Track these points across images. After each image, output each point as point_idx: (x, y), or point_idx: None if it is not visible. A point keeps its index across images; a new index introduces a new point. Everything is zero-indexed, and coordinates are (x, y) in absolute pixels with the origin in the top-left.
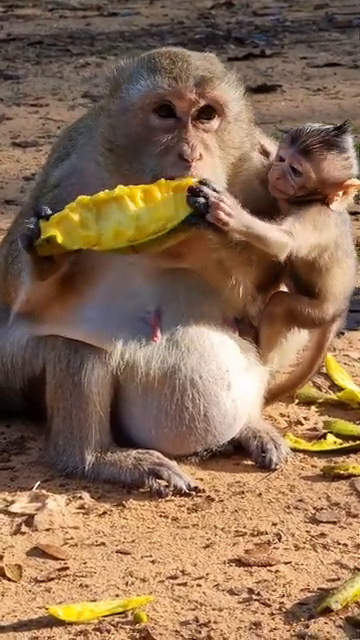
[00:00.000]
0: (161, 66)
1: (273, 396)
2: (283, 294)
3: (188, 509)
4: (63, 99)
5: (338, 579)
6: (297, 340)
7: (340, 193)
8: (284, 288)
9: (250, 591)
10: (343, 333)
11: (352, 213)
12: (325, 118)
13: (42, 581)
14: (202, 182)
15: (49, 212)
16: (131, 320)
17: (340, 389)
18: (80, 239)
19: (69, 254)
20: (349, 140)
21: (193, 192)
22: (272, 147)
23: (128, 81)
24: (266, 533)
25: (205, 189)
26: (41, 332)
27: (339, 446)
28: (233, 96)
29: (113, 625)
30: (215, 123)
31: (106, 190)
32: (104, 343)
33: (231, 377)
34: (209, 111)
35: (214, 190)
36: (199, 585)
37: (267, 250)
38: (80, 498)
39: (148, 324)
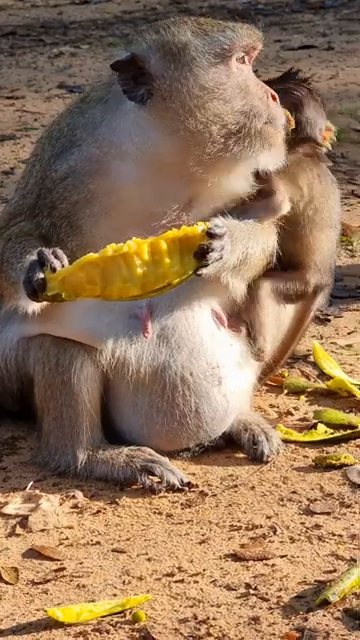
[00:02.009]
0: (226, 22)
1: (258, 378)
2: (266, 275)
3: (182, 505)
4: (39, 90)
5: (335, 570)
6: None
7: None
8: None
9: (247, 586)
10: (329, 320)
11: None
12: None
13: (39, 583)
14: (210, 234)
15: (55, 264)
16: (121, 317)
17: (329, 377)
18: (84, 292)
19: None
20: None
21: (203, 251)
22: None
23: (198, 38)
24: (261, 526)
25: (215, 244)
26: (31, 332)
27: (330, 436)
28: None
29: (112, 625)
30: None
31: (113, 244)
32: (95, 341)
33: (221, 372)
34: None
35: (220, 236)
36: (196, 582)
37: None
38: (73, 497)
39: (139, 320)
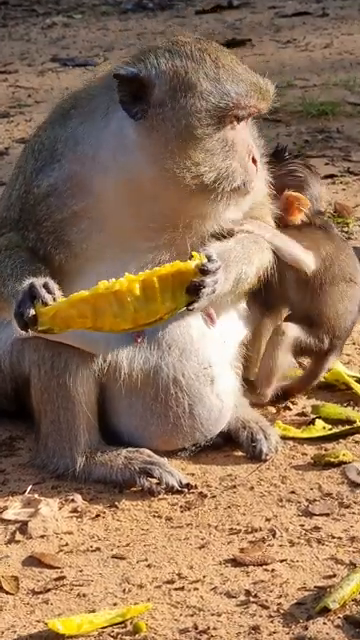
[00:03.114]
0: (239, 74)
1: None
2: (284, 324)
3: (181, 507)
4: (32, 64)
5: (334, 575)
6: None
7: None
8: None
9: (247, 593)
10: None
11: (328, 176)
12: (296, 72)
13: (39, 592)
14: (203, 271)
15: (46, 298)
16: None
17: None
18: (75, 325)
19: None
20: None
21: (195, 287)
22: None
23: (206, 87)
24: (260, 530)
25: (207, 280)
26: (25, 335)
27: (328, 432)
28: None
29: (113, 637)
30: None
31: (104, 282)
32: (87, 345)
33: (214, 372)
34: None
35: (214, 272)
36: (196, 589)
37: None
38: (72, 501)
39: None
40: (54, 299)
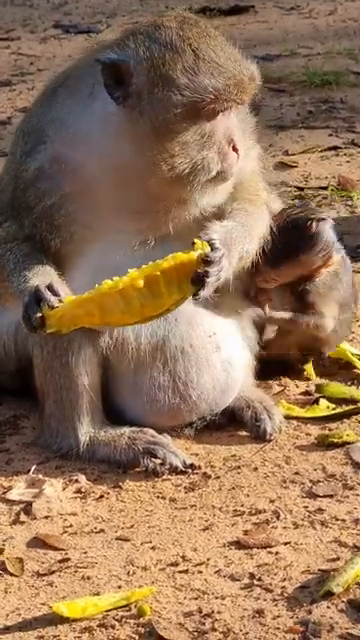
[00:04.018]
0: (219, 66)
1: None
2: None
3: (185, 488)
4: (34, 31)
5: (338, 558)
6: None
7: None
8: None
9: (251, 576)
10: None
11: (332, 148)
12: (299, 40)
13: (44, 574)
14: (206, 260)
15: (52, 301)
16: None
17: None
18: (83, 322)
19: None
20: None
21: (199, 278)
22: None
23: (181, 78)
24: (264, 511)
25: (211, 270)
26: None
27: (332, 411)
28: None
29: (117, 620)
30: None
31: (107, 281)
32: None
33: (218, 339)
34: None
35: (218, 261)
36: (200, 572)
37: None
38: (77, 481)
39: None
40: (60, 300)
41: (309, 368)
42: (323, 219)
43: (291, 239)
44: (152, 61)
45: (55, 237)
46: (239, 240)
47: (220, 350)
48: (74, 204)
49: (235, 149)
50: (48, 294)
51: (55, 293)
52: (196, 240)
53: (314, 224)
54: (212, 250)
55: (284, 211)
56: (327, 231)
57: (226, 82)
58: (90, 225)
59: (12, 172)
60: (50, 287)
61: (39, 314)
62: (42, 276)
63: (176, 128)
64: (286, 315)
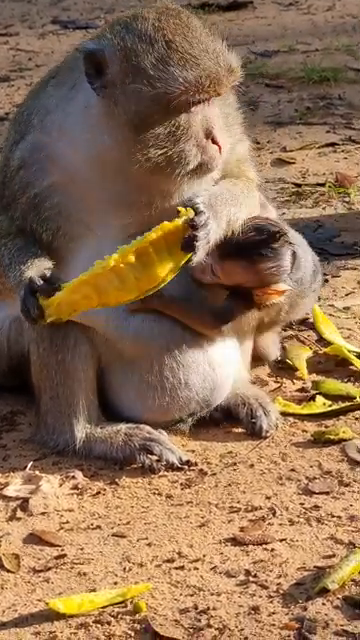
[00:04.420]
0: (192, 57)
1: None
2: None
3: (181, 485)
4: (33, 26)
5: (333, 555)
6: None
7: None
8: None
9: (247, 573)
10: (327, 280)
11: (330, 144)
12: (298, 36)
13: (40, 571)
14: (193, 225)
15: (47, 292)
16: None
17: (327, 343)
18: (82, 307)
19: None
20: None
21: (188, 243)
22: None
23: (153, 70)
24: (260, 508)
25: (199, 234)
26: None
27: (328, 408)
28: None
29: (113, 616)
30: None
31: (99, 260)
32: (85, 319)
33: (204, 337)
34: (233, 83)
35: (204, 225)
36: (196, 568)
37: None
38: (73, 477)
39: None
40: (55, 289)
41: (302, 367)
42: (291, 244)
43: (251, 241)
44: (125, 51)
45: (45, 230)
46: (225, 203)
47: (206, 348)
48: (59, 195)
49: (215, 142)
50: (42, 284)
51: (50, 282)
52: (179, 208)
53: (282, 240)
54: (197, 214)
55: (258, 217)
56: (287, 258)
57: (198, 74)
58: (78, 218)
59: (2, 164)
60: (44, 277)
61: (36, 305)
62: (36, 267)
63: (149, 120)
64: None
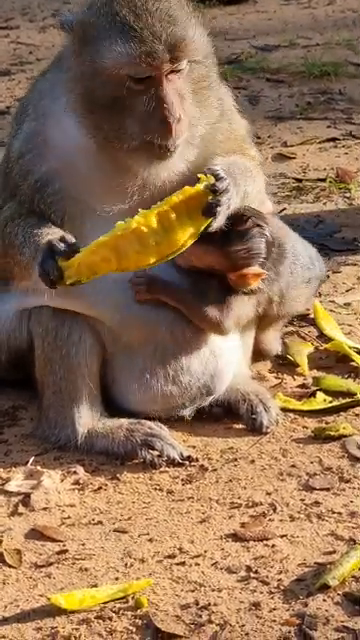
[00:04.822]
0: (128, 26)
1: None
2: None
3: (182, 480)
4: (33, 19)
5: (334, 552)
6: None
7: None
8: None
9: (248, 569)
10: (328, 276)
11: (330, 139)
12: (298, 30)
13: (42, 566)
14: (214, 190)
15: (63, 248)
16: (115, 283)
17: (328, 339)
18: (101, 270)
19: None
20: None
21: (210, 208)
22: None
23: (96, 41)
24: (261, 504)
25: (221, 198)
26: (28, 304)
27: (329, 404)
28: (199, 38)
29: (115, 612)
30: (185, 69)
31: (121, 222)
32: (91, 309)
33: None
34: (179, 59)
35: (226, 189)
36: (197, 564)
37: None
38: (75, 473)
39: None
40: (74, 251)
41: (303, 363)
42: (261, 226)
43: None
44: (80, 25)
45: (53, 212)
46: (241, 174)
47: (209, 335)
48: (60, 180)
49: (164, 120)
50: (62, 245)
51: (68, 244)
52: (200, 175)
53: (249, 222)
54: (218, 180)
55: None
56: (257, 241)
57: (132, 48)
58: (83, 201)
59: (4, 157)
60: (63, 239)
61: (56, 266)
62: (54, 234)
63: (95, 95)
64: (187, 299)
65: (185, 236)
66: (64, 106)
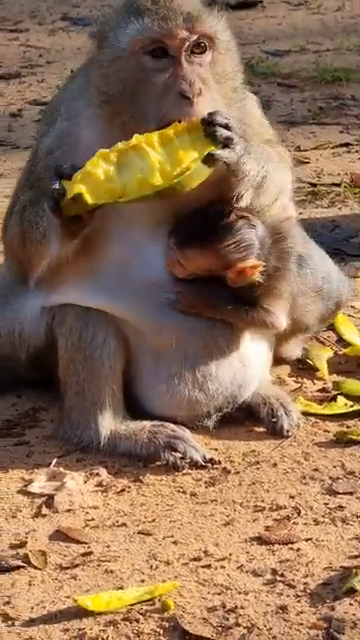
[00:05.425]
0: (145, 7)
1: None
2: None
3: (205, 483)
4: (43, 22)
5: (359, 556)
6: None
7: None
8: None
9: (274, 572)
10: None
11: (344, 145)
12: (308, 36)
13: (67, 568)
14: (212, 113)
15: (71, 171)
16: (143, 287)
17: (347, 344)
18: (105, 193)
19: (95, 209)
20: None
21: (208, 123)
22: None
23: (115, 29)
24: (285, 507)
25: (218, 117)
26: (54, 301)
27: (350, 409)
28: (221, 27)
29: (142, 614)
30: (208, 56)
31: (122, 141)
32: (119, 310)
33: (239, 335)
34: (200, 45)
35: (225, 117)
36: (223, 567)
37: None
38: (97, 475)
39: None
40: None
41: (323, 368)
42: (244, 217)
43: (204, 225)
44: (102, 23)
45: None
46: (260, 157)
47: (241, 344)
48: None
49: (184, 93)
50: (67, 166)
51: (73, 165)
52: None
53: (232, 214)
54: (222, 126)
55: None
56: (244, 230)
57: (147, 22)
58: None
59: (31, 154)
60: (71, 165)
61: (61, 185)
62: None
63: (115, 81)
64: (230, 311)
65: (187, 158)
66: (90, 103)
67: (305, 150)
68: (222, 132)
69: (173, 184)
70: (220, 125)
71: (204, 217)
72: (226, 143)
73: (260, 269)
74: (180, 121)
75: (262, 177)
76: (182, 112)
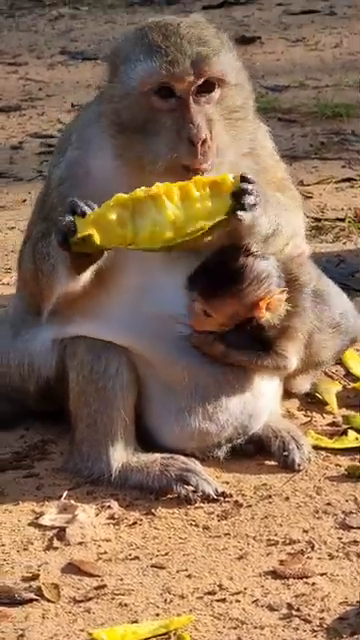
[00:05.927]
0: (155, 45)
1: None
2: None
3: (218, 516)
4: (41, 56)
5: None
6: None
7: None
8: None
9: (289, 606)
10: None
11: (346, 179)
12: (307, 72)
13: (81, 601)
14: (245, 178)
15: (85, 209)
16: (157, 321)
17: (355, 378)
18: (116, 238)
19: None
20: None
21: (238, 193)
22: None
23: (124, 63)
24: (298, 541)
25: (251, 187)
26: (66, 333)
27: None
28: (230, 63)
29: None
30: (216, 94)
31: (143, 187)
32: (131, 343)
33: (250, 371)
34: (209, 84)
35: (255, 182)
36: (238, 601)
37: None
38: (109, 507)
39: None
40: (93, 210)
41: (332, 402)
42: (250, 251)
43: (221, 271)
44: (113, 52)
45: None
46: (274, 207)
47: (250, 379)
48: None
49: (190, 138)
50: (82, 203)
51: (89, 205)
52: (225, 174)
53: (241, 258)
54: (244, 181)
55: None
56: (258, 264)
57: (156, 63)
58: None
59: (45, 184)
60: (87, 203)
61: (71, 218)
62: None
63: (126, 117)
64: (242, 356)
65: (203, 216)
66: (102, 132)
67: (308, 185)
68: (250, 200)
69: (185, 240)
70: (249, 194)
71: (218, 264)
72: (251, 209)
73: (284, 297)
74: (189, 167)
75: (273, 230)
76: (190, 158)
